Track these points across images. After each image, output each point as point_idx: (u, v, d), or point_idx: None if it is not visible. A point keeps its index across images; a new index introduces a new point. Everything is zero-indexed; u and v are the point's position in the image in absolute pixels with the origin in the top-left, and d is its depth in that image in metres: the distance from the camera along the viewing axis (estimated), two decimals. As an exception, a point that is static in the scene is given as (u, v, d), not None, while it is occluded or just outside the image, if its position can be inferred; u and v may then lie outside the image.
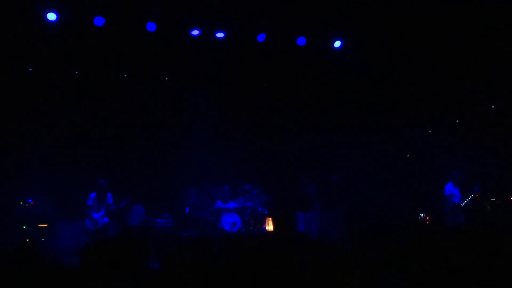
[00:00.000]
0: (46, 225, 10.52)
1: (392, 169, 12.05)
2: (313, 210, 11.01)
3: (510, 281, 3.30)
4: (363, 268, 3.27)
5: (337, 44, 10.72)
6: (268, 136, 12.19)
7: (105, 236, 9.41)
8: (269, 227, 11.53)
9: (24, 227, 10.35)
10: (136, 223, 10.88)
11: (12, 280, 3.60)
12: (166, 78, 11.74)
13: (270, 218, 11.59)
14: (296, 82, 11.69)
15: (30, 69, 10.55)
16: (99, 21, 9.41)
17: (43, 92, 10.64)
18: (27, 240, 9.31)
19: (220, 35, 10.19)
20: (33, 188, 10.63)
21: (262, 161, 12.17)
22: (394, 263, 4.10)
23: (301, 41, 10.49)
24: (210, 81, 11.46)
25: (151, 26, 9.68)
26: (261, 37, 10.31)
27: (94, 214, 9.86)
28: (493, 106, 11.75)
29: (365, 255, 4.36)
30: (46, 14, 9.14)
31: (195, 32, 10.04)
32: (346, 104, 11.97)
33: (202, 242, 3.99)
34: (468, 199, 10.47)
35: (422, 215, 11.36)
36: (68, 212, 10.75)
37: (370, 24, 9.87)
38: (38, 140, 10.74)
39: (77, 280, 3.27)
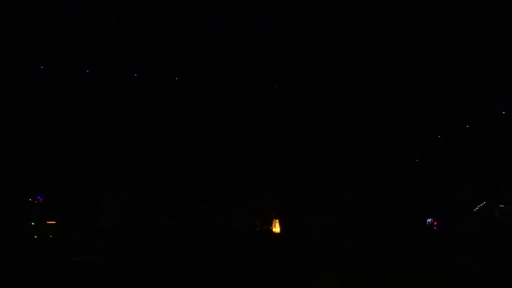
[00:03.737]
0: (54, 222, 10.52)
1: (401, 173, 11.97)
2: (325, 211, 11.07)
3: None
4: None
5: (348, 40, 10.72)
6: (276, 136, 12.12)
7: (117, 235, 9.42)
8: (276, 228, 11.53)
9: (33, 224, 10.37)
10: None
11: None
12: (176, 79, 11.72)
13: (277, 220, 11.60)
14: (302, 78, 11.61)
15: (42, 67, 10.63)
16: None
17: (54, 88, 10.68)
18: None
19: (228, 28, 10.25)
20: (43, 185, 10.65)
21: (271, 161, 12.11)
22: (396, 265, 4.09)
23: (312, 34, 10.52)
24: (217, 77, 11.42)
25: (159, 20, 9.76)
26: (271, 30, 10.37)
27: (108, 212, 9.83)
28: (504, 112, 11.67)
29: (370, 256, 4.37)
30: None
31: (204, 25, 10.10)
32: (354, 103, 11.89)
33: (210, 241, 4.01)
34: (479, 206, 10.43)
35: (429, 220, 11.29)
36: (79, 209, 10.74)
37: (382, 20, 9.83)
38: (49, 136, 10.78)
39: (86, 276, 3.30)
